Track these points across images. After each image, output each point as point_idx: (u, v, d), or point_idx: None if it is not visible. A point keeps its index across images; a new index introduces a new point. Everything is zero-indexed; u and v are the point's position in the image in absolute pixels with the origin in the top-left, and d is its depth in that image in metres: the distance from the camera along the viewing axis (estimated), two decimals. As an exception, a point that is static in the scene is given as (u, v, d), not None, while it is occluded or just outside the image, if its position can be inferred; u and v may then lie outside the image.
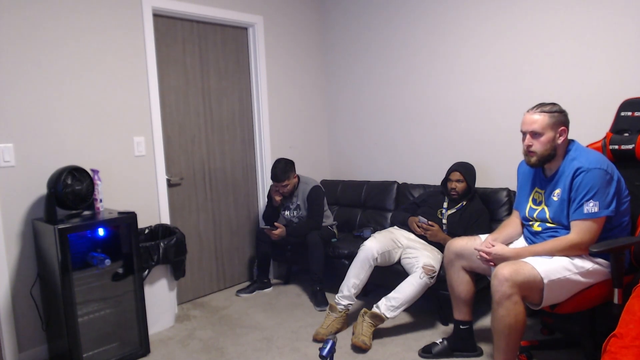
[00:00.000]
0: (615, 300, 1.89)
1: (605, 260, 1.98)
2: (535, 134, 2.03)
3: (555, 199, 2.07)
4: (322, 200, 3.42)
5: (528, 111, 2.08)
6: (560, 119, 2.04)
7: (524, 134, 2.08)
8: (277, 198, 3.39)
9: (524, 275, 1.87)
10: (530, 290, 1.89)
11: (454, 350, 2.40)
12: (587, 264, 1.96)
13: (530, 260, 1.95)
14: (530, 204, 2.21)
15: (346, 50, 4.03)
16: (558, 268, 1.92)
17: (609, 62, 2.68)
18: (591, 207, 1.93)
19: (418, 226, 2.87)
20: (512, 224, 2.33)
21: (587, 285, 1.96)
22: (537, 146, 2.03)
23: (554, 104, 2.07)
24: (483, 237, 2.33)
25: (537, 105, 2.07)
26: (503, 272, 1.88)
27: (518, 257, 2.01)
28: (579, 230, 1.96)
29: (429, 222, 2.83)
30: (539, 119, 2.02)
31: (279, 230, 3.25)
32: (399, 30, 3.65)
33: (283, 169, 3.29)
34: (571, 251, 1.96)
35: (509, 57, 3.08)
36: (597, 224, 1.94)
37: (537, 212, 2.16)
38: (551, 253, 1.97)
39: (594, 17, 2.71)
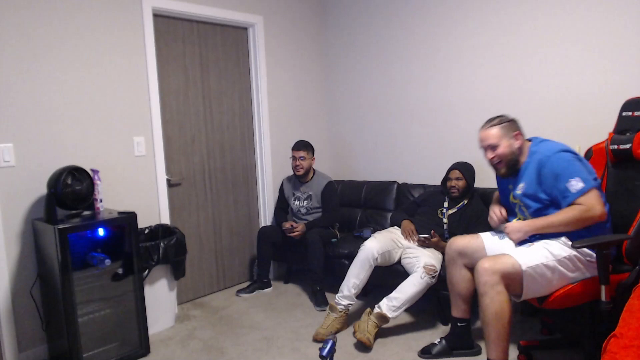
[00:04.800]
0: (603, 298, 1.89)
1: (588, 251, 2.00)
2: (492, 147, 2.17)
3: (519, 192, 2.18)
4: (337, 196, 3.53)
5: (480, 130, 2.23)
6: (510, 127, 2.18)
7: (485, 150, 2.22)
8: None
9: (502, 263, 1.94)
10: (511, 279, 1.94)
11: (453, 349, 2.40)
12: (563, 252, 1.99)
13: (508, 251, 2.03)
14: (511, 198, 2.29)
15: (346, 50, 4.03)
16: (535, 256, 1.97)
17: (613, 63, 2.67)
18: (575, 184, 1.97)
19: (419, 240, 2.84)
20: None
21: (572, 280, 1.99)
22: (499, 156, 2.16)
23: (500, 116, 2.23)
24: (484, 235, 2.34)
25: (486, 122, 2.24)
26: (483, 265, 1.97)
27: (535, 228, 2.08)
28: (585, 206, 1.97)
29: (432, 233, 2.80)
30: (491, 133, 2.18)
31: (300, 228, 3.29)
32: (399, 30, 3.65)
33: (305, 142, 3.49)
34: (585, 218, 1.96)
35: (509, 57, 3.08)
36: (594, 195, 1.97)
37: (517, 206, 2.26)
38: (566, 222, 1.99)
39: (596, 18, 2.71)
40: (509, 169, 2.18)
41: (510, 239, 2.17)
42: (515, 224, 2.16)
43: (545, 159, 2.06)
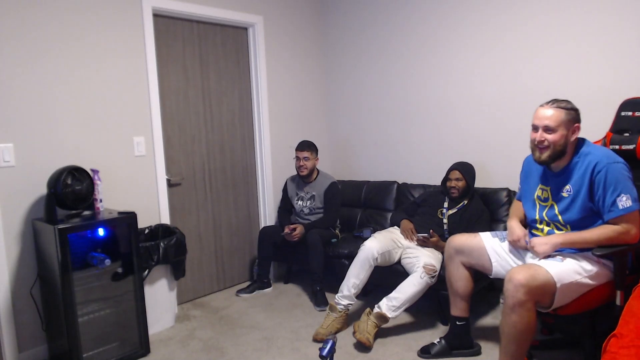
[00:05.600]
0: (617, 302, 1.88)
1: (610, 261, 1.98)
2: (548, 129, 1.98)
3: (564, 194, 2.03)
4: (340, 197, 3.52)
5: (542, 105, 2.04)
6: (574, 116, 2.00)
7: (536, 128, 2.03)
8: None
9: (540, 280, 1.83)
10: (543, 295, 1.86)
11: (452, 349, 2.40)
12: (594, 267, 1.95)
13: (542, 263, 1.93)
14: (536, 201, 2.17)
15: (346, 50, 4.03)
16: (569, 272, 1.90)
17: (610, 62, 2.68)
18: (625, 201, 1.89)
19: (419, 239, 2.84)
20: (520, 207, 2.32)
21: (592, 287, 1.96)
22: (550, 142, 1.98)
23: (567, 100, 2.03)
24: (484, 235, 2.33)
25: (551, 101, 2.03)
26: (519, 278, 1.82)
27: (566, 242, 1.98)
28: (622, 228, 1.92)
29: (431, 232, 2.81)
30: (554, 114, 1.97)
31: (299, 229, 3.28)
32: (399, 30, 3.65)
33: (309, 142, 3.47)
34: (619, 240, 1.91)
35: (509, 57, 3.09)
36: (636, 218, 1.92)
37: (546, 209, 2.12)
38: (599, 240, 1.93)
39: (594, 18, 2.71)
40: (550, 158, 2.00)
41: (536, 252, 2.02)
42: (542, 238, 2.03)
43: (602, 164, 1.92)
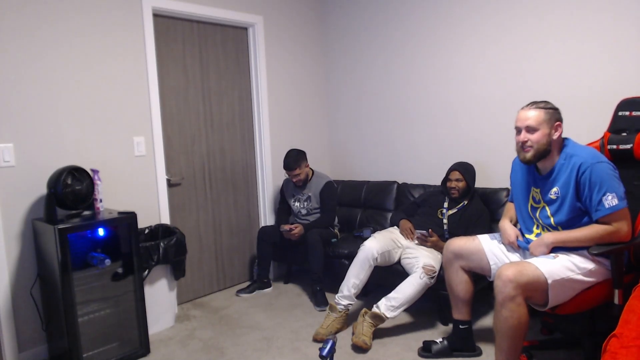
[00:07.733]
0: (616, 301, 1.88)
1: (606, 259, 1.99)
2: (530, 129, 2.03)
3: (553, 197, 2.07)
4: (336, 196, 3.50)
5: (522, 108, 2.10)
6: (554, 114, 2.05)
7: (519, 130, 2.08)
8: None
9: (528, 276, 1.85)
10: (534, 291, 1.87)
11: (454, 350, 2.40)
12: (589, 265, 1.96)
13: (533, 260, 1.94)
14: (531, 202, 2.20)
15: (346, 50, 4.03)
16: (561, 268, 1.91)
17: (607, 62, 2.68)
18: (610, 200, 1.91)
19: (418, 237, 2.85)
20: (513, 208, 2.36)
21: (589, 285, 1.96)
22: (533, 141, 2.03)
23: (546, 101, 2.09)
24: (482, 237, 2.33)
25: (530, 103, 2.10)
26: (507, 273, 1.86)
27: (558, 241, 2.00)
28: (612, 227, 1.94)
29: (429, 232, 2.81)
30: (534, 115, 2.03)
31: (298, 229, 3.28)
32: (399, 30, 3.65)
33: (295, 158, 3.37)
34: (611, 238, 1.93)
35: (508, 56, 3.09)
36: (624, 216, 1.94)
37: (538, 210, 2.15)
38: (590, 239, 1.95)
39: (593, 17, 2.71)
40: (535, 157, 2.04)
41: (533, 255, 2.05)
42: (535, 241, 2.06)
43: (587, 165, 1.94)
